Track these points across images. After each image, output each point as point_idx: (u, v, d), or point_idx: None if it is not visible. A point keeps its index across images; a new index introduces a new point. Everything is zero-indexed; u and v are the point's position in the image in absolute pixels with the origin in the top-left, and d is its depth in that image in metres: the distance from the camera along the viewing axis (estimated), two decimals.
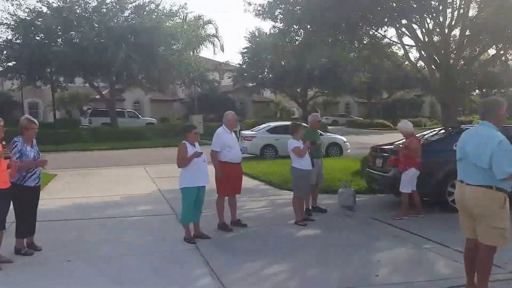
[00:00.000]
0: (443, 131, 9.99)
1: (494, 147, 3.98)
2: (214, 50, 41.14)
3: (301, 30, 13.61)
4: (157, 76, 28.52)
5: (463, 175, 4.30)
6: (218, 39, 39.49)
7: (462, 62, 13.43)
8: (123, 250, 6.09)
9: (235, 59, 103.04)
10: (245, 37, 40.88)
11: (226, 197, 7.13)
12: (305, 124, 10.42)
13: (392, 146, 8.71)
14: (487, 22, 11.94)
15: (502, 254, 4.29)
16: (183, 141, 6.43)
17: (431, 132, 10.15)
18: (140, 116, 37.68)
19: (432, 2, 12.42)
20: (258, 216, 8.19)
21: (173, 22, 29.30)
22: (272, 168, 13.45)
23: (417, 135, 9.59)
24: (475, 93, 50.62)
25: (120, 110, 35.39)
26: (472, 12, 12.81)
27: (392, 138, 8.69)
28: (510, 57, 35.08)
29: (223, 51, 74.05)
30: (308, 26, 13.14)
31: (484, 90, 48.63)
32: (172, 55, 28.97)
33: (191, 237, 6.38)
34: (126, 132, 28.57)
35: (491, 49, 15.23)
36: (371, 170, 9.27)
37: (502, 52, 14.96)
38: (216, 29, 42.32)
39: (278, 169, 12.91)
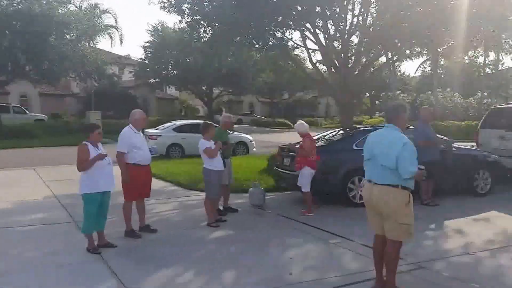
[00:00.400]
0: (341, 131, 10.52)
1: (400, 148, 4.26)
2: (111, 42, 38.98)
3: (209, 28, 13.48)
4: (47, 68, 26.32)
5: (371, 175, 4.54)
6: (117, 30, 37.64)
7: (360, 67, 14.31)
8: (17, 265, 5.49)
9: (137, 53, 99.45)
10: (148, 30, 39.60)
11: (134, 201, 6.76)
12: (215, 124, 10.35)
13: (287, 146, 9.06)
14: (380, 32, 12.88)
15: (403, 246, 4.58)
16: (84, 142, 5.91)
17: (331, 132, 10.64)
18: (27, 112, 34.58)
19: (333, 8, 13.06)
20: (168, 220, 7.92)
21: (66, 10, 27.31)
22: (179, 168, 13.13)
23: (316, 135, 10.05)
24: (364, 96, 54.53)
25: (4, 104, 32.30)
26: (369, 21, 13.72)
27: (291, 136, 9.02)
28: (397, 64, 38.20)
29: (121, 43, 70.69)
30: (216, 24, 13.06)
31: (373, 92, 52.47)
32: (65, 45, 26.95)
33: (95, 247, 5.91)
34: (11, 129, 26.11)
35: (383, 56, 16.49)
36: (279, 169, 9.50)
37: (392, 60, 16.27)
38: (115, 19, 40.29)
39: (186, 169, 12.65)
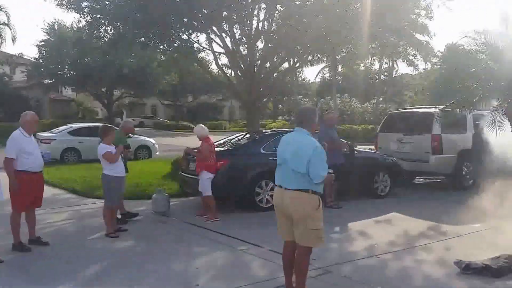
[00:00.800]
0: (248, 135, 10.48)
1: (311, 152, 4.19)
2: (2, 41, 35.37)
3: (110, 27, 12.82)
4: None
5: (282, 180, 4.43)
6: (9, 28, 34.50)
7: (264, 72, 14.44)
8: None
9: (31, 52, 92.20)
10: (43, 28, 36.94)
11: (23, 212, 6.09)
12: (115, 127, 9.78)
13: (185, 149, 8.90)
14: (284, 38, 13.12)
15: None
16: None
17: (237, 136, 10.56)
18: None
19: (240, 13, 13.05)
20: (61, 231, 7.25)
21: None
22: (75, 173, 12.30)
23: (223, 139, 9.91)
24: (270, 100, 55.83)
25: None
26: (273, 27, 13.92)
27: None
28: (299, 70, 39.51)
29: (14, 42, 64.41)
30: (118, 23, 12.44)
31: (275, 96, 53.87)
32: None
33: None
34: None
35: (286, 62, 16.85)
36: (184, 174, 9.18)
37: (296, 66, 16.71)
38: (8, 17, 36.74)
39: (82, 174, 11.91)
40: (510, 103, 8.37)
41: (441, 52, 23.55)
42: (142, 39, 13.13)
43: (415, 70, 41.02)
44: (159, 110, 58.99)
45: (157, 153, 18.02)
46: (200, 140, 7.98)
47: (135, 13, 11.70)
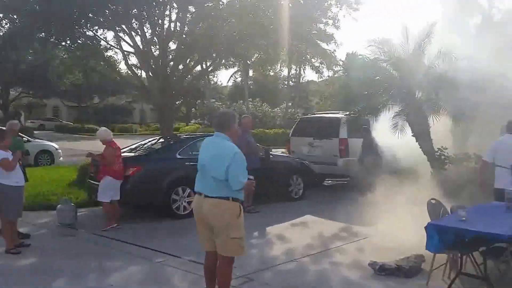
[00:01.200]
0: (162, 139, 10.13)
1: (230, 158, 4.04)
2: None
3: (6, 20, 11.82)
4: None
5: (201, 187, 4.24)
6: None
7: (178, 74, 14.12)
8: None
9: None
10: None
11: None
12: None
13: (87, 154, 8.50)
14: (196, 40, 12.95)
15: None
16: None
17: (150, 140, 10.16)
18: None
19: (151, 11, 12.64)
20: None
21: None
22: None
23: (135, 144, 9.47)
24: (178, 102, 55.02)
25: None
26: (186, 29, 13.66)
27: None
28: (213, 74, 39.47)
29: None
30: (15, 16, 11.47)
31: (188, 99, 53.31)
32: None
33: None
34: None
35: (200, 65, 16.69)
36: (92, 181, 8.59)
37: (209, 69, 16.62)
38: None
39: None
40: (410, 109, 9.01)
41: (342, 61, 24.88)
42: (42, 34, 12.25)
43: (320, 77, 43.08)
44: (61, 111, 55.78)
45: (61, 158, 16.85)
46: (103, 144, 7.57)
47: (34, 5, 10.94)
